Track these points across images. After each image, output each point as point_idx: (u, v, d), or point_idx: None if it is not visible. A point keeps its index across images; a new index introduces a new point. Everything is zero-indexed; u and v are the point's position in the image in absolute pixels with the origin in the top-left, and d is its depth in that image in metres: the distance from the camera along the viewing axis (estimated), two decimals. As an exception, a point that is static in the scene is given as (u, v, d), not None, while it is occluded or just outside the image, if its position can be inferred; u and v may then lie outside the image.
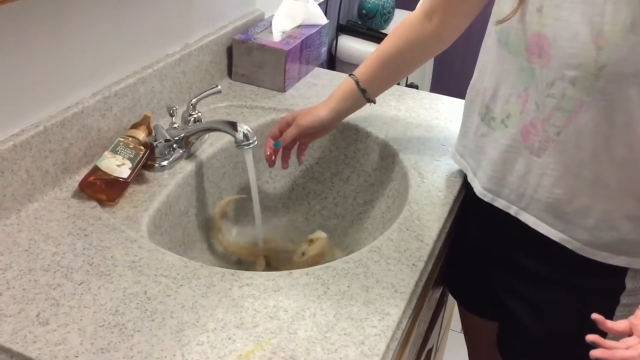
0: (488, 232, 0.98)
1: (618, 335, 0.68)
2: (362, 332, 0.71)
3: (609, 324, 0.68)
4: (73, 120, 0.91)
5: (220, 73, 1.27)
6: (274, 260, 1.07)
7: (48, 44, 0.86)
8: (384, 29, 1.96)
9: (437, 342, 1.34)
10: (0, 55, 0.80)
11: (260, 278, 0.78)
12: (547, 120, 0.81)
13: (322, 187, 1.20)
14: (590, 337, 0.66)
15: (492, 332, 1.08)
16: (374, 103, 1.07)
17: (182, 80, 1.15)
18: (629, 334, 0.68)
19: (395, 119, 1.18)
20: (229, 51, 1.27)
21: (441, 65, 2.38)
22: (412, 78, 1.94)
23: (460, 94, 1.31)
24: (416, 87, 1.84)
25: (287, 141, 1.03)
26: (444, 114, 1.23)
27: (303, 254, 1.00)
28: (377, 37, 1.89)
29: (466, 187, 1.01)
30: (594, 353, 0.65)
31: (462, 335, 1.97)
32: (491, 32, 0.89)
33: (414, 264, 0.82)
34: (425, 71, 2.19)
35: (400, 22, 1.04)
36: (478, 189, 0.93)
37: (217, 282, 0.76)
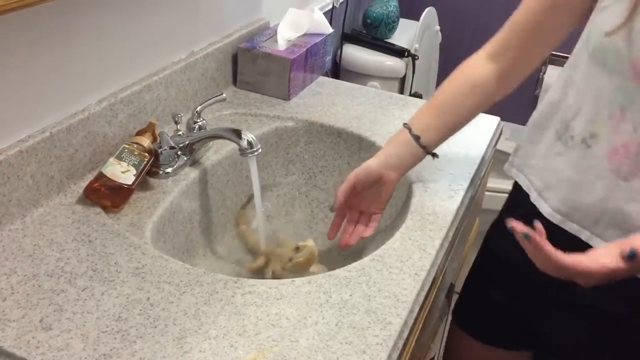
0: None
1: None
2: (363, 341, 0.71)
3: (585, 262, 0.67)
4: (79, 126, 0.92)
5: (225, 81, 1.28)
6: (271, 263, 1.06)
7: (55, 51, 0.87)
8: (388, 38, 1.97)
9: (440, 351, 1.34)
10: (7, 62, 0.80)
11: (263, 286, 0.78)
12: None
13: (325, 196, 1.20)
14: (513, 224, 0.68)
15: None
16: (436, 156, 0.97)
17: (187, 88, 1.15)
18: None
19: (397, 128, 1.18)
20: (234, 59, 1.28)
21: (446, 74, 2.38)
22: (416, 87, 1.95)
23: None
24: (420, 97, 1.85)
25: (340, 198, 0.95)
26: (448, 123, 1.23)
27: (290, 259, 1.00)
28: (381, 46, 1.90)
29: (508, 202, 0.99)
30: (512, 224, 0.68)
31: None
32: (580, 51, 0.84)
33: (416, 274, 0.83)
34: (429, 81, 2.20)
35: (462, 64, 0.97)
36: (546, 210, 0.86)
37: (219, 289, 0.77)
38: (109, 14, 0.95)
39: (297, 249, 0.99)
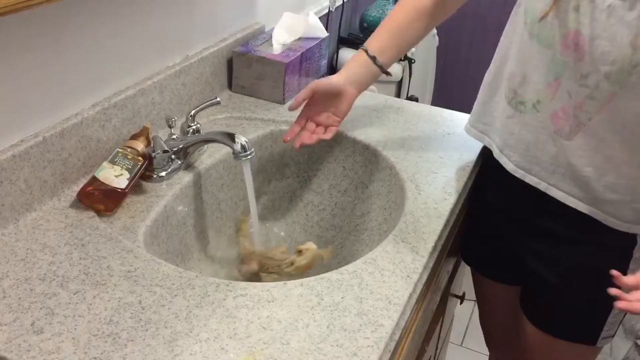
0: (509, 199, 1.04)
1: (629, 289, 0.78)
2: (354, 343, 0.71)
3: (624, 279, 0.77)
4: (72, 130, 0.92)
5: (220, 85, 1.28)
6: (265, 267, 1.06)
7: (48, 55, 0.88)
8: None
9: (436, 354, 1.34)
10: (0, 65, 0.81)
11: (255, 289, 0.78)
12: (579, 107, 0.87)
13: (320, 199, 1.20)
14: (613, 291, 0.77)
15: (507, 296, 1.17)
16: (389, 75, 1.10)
17: (181, 92, 1.16)
18: (637, 287, 0.77)
19: (393, 132, 1.19)
20: (229, 63, 1.28)
21: (443, 78, 2.39)
22: (412, 91, 1.95)
23: (462, 108, 1.32)
24: (416, 100, 1.85)
25: (298, 99, 1.05)
26: (442, 126, 1.24)
27: (292, 263, 1.00)
28: (378, 50, 1.90)
29: (482, 155, 1.12)
30: (618, 305, 0.76)
31: (463, 348, 1.97)
32: (517, 22, 0.94)
33: (408, 276, 0.83)
34: (426, 84, 2.20)
35: None
36: (510, 166, 0.99)
37: (211, 292, 0.77)
38: (103, 17, 0.95)
39: (300, 252, 0.99)
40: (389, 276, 0.82)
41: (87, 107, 0.96)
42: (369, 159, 1.15)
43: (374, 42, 1.09)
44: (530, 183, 0.97)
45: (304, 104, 1.07)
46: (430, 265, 0.88)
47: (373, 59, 1.07)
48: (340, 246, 1.12)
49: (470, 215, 1.14)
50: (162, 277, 0.79)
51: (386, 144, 1.15)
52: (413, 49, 1.93)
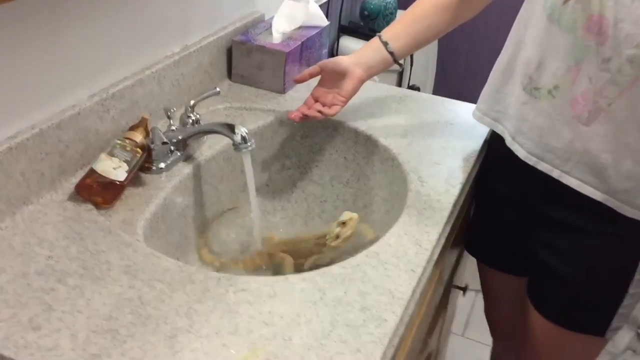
0: (519, 189, 1.03)
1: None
2: (358, 339, 0.70)
3: None
4: (70, 122, 0.91)
5: (219, 74, 1.26)
6: (294, 254, 1.05)
7: (45, 45, 0.86)
8: (386, 30, 1.95)
9: (437, 346, 1.33)
10: (-5, 57, 0.79)
11: (256, 283, 0.77)
12: (599, 93, 0.85)
13: (321, 191, 1.19)
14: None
15: (513, 287, 1.15)
16: (400, 65, 1.09)
17: (180, 82, 1.14)
18: None
19: (395, 122, 1.18)
20: (229, 53, 1.27)
21: (444, 67, 2.37)
22: (414, 80, 1.93)
23: (464, 97, 1.30)
24: (418, 89, 1.84)
25: (305, 74, 1.08)
26: (445, 117, 1.22)
27: (337, 236, 0.99)
28: (379, 38, 1.88)
29: (490, 143, 1.10)
30: None
31: (464, 339, 1.96)
32: (534, 7, 0.93)
33: (412, 270, 0.81)
34: (427, 73, 2.18)
35: None
36: (522, 153, 0.97)
37: (212, 287, 0.76)
38: (100, 5, 0.93)
39: (343, 223, 0.98)
40: (392, 270, 0.81)
41: (85, 98, 0.94)
42: (371, 150, 1.13)
43: (388, 30, 1.08)
44: (543, 170, 0.95)
45: (309, 78, 1.09)
46: (434, 258, 0.87)
47: (385, 44, 1.06)
48: (350, 238, 1.10)
49: (476, 205, 1.13)
50: (162, 272, 0.77)
51: (388, 135, 1.13)
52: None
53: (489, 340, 1.38)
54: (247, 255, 1.05)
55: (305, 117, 1.07)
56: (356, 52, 1.09)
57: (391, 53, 1.06)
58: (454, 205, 0.97)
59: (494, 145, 1.08)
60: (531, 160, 0.96)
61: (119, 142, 0.94)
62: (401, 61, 1.10)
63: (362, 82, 1.08)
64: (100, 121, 0.96)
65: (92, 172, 0.90)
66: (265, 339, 0.69)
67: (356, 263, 0.82)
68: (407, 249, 0.86)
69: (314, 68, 1.08)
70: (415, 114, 1.22)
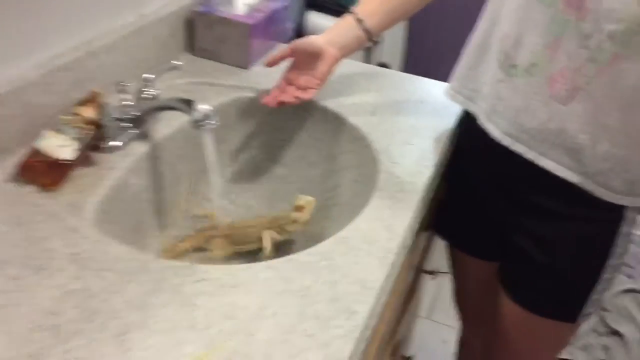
0: (493, 170, 0.99)
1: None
2: (326, 332, 0.65)
3: None
4: (10, 95, 0.82)
5: (179, 47, 1.18)
6: (237, 239, 1.00)
7: (-20, 10, 0.77)
8: (354, 5, 1.89)
9: (406, 332, 1.30)
10: None
11: (217, 272, 0.71)
12: (577, 70, 0.82)
13: (286, 171, 1.13)
14: None
15: (484, 272, 1.13)
16: (376, 43, 1.07)
17: (136, 55, 1.06)
18: None
19: (365, 100, 1.12)
20: (189, 24, 1.19)
21: (413, 44, 2.32)
22: (383, 57, 1.88)
23: (433, 74, 1.25)
24: (387, 67, 1.78)
25: (276, 56, 1.02)
26: (416, 94, 1.17)
27: (294, 221, 0.94)
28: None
29: (462, 123, 1.05)
30: None
31: (430, 322, 1.94)
32: None
33: (383, 257, 0.77)
34: (396, 50, 2.13)
35: None
36: (496, 134, 0.93)
37: (168, 277, 0.69)
38: (44, -31, 0.85)
39: (300, 207, 0.93)
40: (362, 257, 0.76)
41: (28, 69, 0.86)
42: (339, 129, 1.08)
43: (362, 6, 1.03)
44: (518, 151, 0.91)
45: (279, 61, 1.03)
46: (407, 244, 0.82)
47: (359, 21, 1.00)
48: (308, 222, 1.06)
49: (448, 187, 1.09)
50: (113, 260, 0.71)
51: (357, 113, 1.08)
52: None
53: (455, 322, 1.36)
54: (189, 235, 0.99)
55: (281, 103, 1.01)
56: (329, 30, 1.03)
57: (366, 31, 1.01)
58: (427, 188, 0.93)
59: (468, 124, 1.04)
60: (506, 141, 0.92)
61: (66, 118, 0.86)
62: (376, 38, 1.04)
63: (337, 61, 1.02)
64: (46, 95, 0.88)
65: (36, 150, 0.82)
66: (226, 334, 0.63)
67: (324, 250, 0.77)
68: (378, 234, 0.81)
69: (284, 50, 1.02)
70: (385, 91, 1.16)
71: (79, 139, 0.85)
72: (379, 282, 0.73)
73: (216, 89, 1.12)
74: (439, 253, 1.23)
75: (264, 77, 1.16)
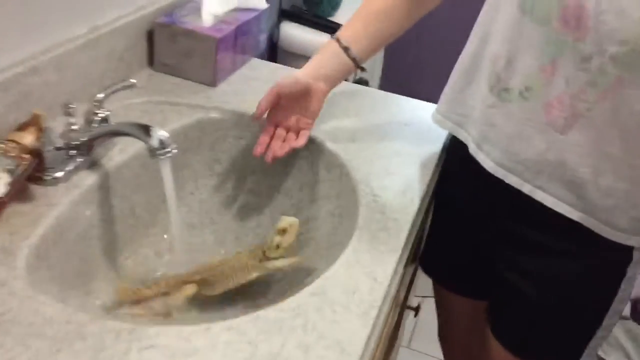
0: (484, 203, 0.91)
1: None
2: (298, 414, 0.54)
3: None
4: None
5: (138, 62, 1.07)
6: (208, 281, 0.88)
7: None
8: (331, 16, 1.79)
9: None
10: None
11: (168, 337, 0.60)
12: (576, 96, 0.74)
13: (257, 200, 1.02)
14: None
15: (472, 311, 1.05)
16: (364, 70, 0.95)
17: (88, 71, 0.94)
18: None
19: (344, 123, 1.02)
20: (150, 36, 1.08)
21: (392, 59, 2.23)
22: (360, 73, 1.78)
23: (412, 92, 1.16)
24: (366, 83, 1.69)
25: (262, 106, 0.90)
26: (398, 116, 1.08)
27: (278, 246, 0.83)
28: (324, 25, 1.71)
29: (450, 149, 0.98)
30: None
31: (409, 351, 1.84)
32: None
33: (365, 313, 0.66)
34: (374, 66, 2.04)
35: None
36: (488, 164, 0.85)
37: (109, 344, 0.58)
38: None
39: (283, 230, 0.82)
40: (341, 313, 0.66)
41: (-46, 89, 0.74)
42: (316, 155, 0.98)
43: (346, 31, 0.93)
44: (512, 184, 0.82)
45: (267, 111, 0.92)
46: (392, 293, 0.72)
47: (345, 49, 0.91)
48: (291, 247, 0.94)
49: (433, 219, 0.99)
50: (42, 323, 0.59)
51: (336, 137, 0.98)
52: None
53: (435, 351, 1.27)
54: (152, 281, 0.87)
55: (275, 158, 0.91)
56: (313, 62, 0.93)
57: (353, 59, 0.92)
58: (412, 225, 0.83)
59: (456, 150, 0.94)
60: (499, 173, 0.84)
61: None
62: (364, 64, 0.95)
63: (326, 96, 0.93)
64: (-24, 119, 0.77)
65: (-40, 185, 0.70)
66: (176, 419, 0.52)
67: (297, 304, 0.66)
68: (359, 283, 0.70)
69: (268, 97, 0.90)
70: (365, 113, 1.07)
71: (12, 171, 0.74)
72: (360, 344, 0.62)
73: (178, 108, 1.01)
74: (420, 278, 1.14)
75: (232, 96, 1.06)
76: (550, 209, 0.80)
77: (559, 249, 0.84)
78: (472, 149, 0.87)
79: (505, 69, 0.79)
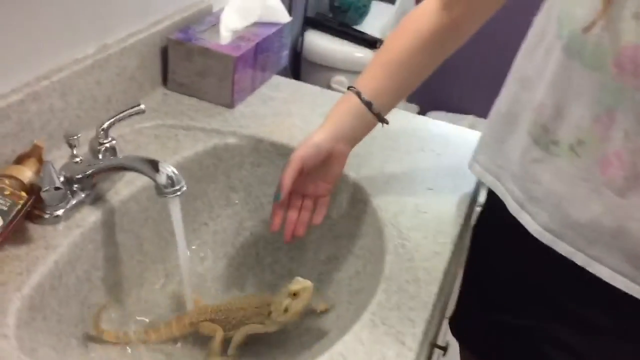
0: (526, 267, 0.79)
1: None
2: None
3: None
4: None
5: (151, 81, 1.00)
6: (226, 325, 0.81)
7: None
8: (358, 25, 1.71)
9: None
10: None
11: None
12: (638, 152, 0.65)
13: (274, 235, 0.95)
14: None
15: None
16: (387, 123, 0.83)
17: (96, 94, 0.88)
18: None
19: (369, 151, 0.94)
20: (164, 53, 1.01)
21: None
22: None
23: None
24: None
25: (287, 185, 0.78)
26: (432, 144, 1.00)
27: (286, 310, 0.75)
28: (350, 34, 1.64)
29: (489, 205, 0.86)
30: None
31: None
32: (547, 32, 0.71)
33: (392, 387, 0.59)
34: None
35: (409, 14, 0.83)
36: (534, 228, 0.74)
37: None
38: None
39: (294, 294, 0.74)
40: (364, 388, 0.58)
41: (-54, 122, 0.68)
42: (338, 187, 0.90)
43: (367, 82, 0.82)
44: (562, 253, 0.72)
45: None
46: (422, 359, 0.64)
47: (368, 105, 0.80)
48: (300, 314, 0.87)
49: (465, 277, 0.90)
50: (28, 399, 0.53)
51: (360, 168, 0.90)
52: (387, 32, 1.68)
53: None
54: (160, 324, 0.80)
55: (298, 237, 0.83)
56: (332, 120, 0.81)
57: (377, 115, 0.81)
58: (445, 275, 0.75)
59: (494, 203, 0.83)
60: (545, 238, 0.74)
61: (-7, 183, 0.69)
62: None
63: (347, 157, 0.83)
64: (-30, 153, 0.70)
65: (-52, 230, 0.64)
66: None
67: (315, 375, 0.59)
68: (385, 347, 0.63)
69: (292, 172, 0.78)
70: (393, 139, 0.99)
71: (7, 211, 0.67)
72: None
73: (193, 133, 0.94)
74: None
75: (251, 119, 0.99)
76: (606, 283, 0.70)
77: (613, 327, 0.74)
78: (514, 209, 0.77)
79: (553, 119, 0.70)
